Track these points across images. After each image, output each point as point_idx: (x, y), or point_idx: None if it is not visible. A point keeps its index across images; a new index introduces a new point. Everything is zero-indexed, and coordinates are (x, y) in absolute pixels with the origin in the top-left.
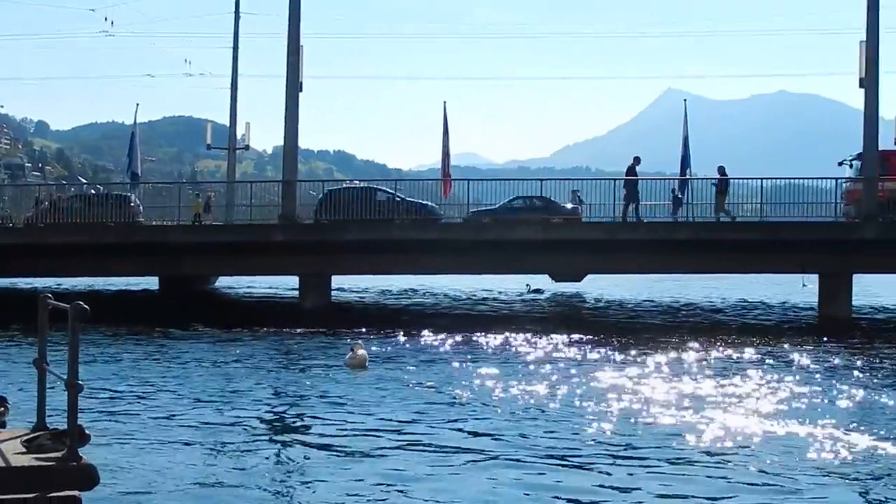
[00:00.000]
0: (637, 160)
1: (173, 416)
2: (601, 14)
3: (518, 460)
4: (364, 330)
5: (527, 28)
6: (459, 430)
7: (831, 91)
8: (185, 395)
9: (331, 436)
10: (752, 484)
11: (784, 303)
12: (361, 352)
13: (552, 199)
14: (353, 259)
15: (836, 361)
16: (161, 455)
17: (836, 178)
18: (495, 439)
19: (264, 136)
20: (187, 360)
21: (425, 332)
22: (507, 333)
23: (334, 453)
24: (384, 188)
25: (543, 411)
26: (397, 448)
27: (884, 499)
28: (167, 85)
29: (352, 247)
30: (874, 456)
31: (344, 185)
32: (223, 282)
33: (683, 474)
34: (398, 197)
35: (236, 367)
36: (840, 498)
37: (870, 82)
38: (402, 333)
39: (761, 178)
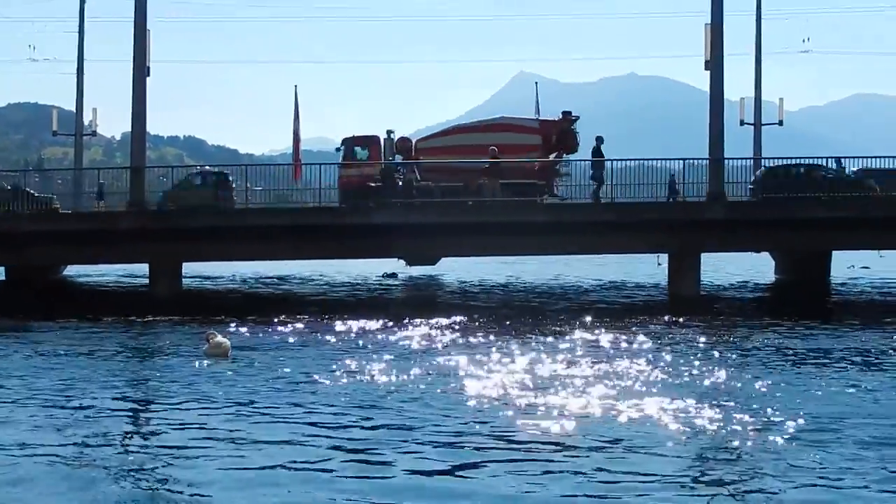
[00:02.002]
0: (600, 139)
1: (18, 409)
2: None
3: (365, 449)
4: (223, 318)
5: (380, 11)
6: (313, 422)
7: (680, 73)
8: (33, 387)
9: (187, 424)
10: (600, 463)
11: (637, 283)
12: (220, 339)
13: None
14: (202, 246)
15: (680, 339)
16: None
17: (683, 159)
18: (345, 428)
19: (112, 122)
20: (31, 352)
21: (283, 319)
22: (367, 319)
23: (193, 442)
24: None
25: (397, 396)
26: (256, 439)
27: (725, 472)
28: (11, 71)
29: (200, 234)
30: (713, 429)
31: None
32: (73, 270)
33: (523, 459)
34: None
35: (85, 358)
36: (680, 473)
37: (715, 65)
38: (257, 320)
39: (612, 160)
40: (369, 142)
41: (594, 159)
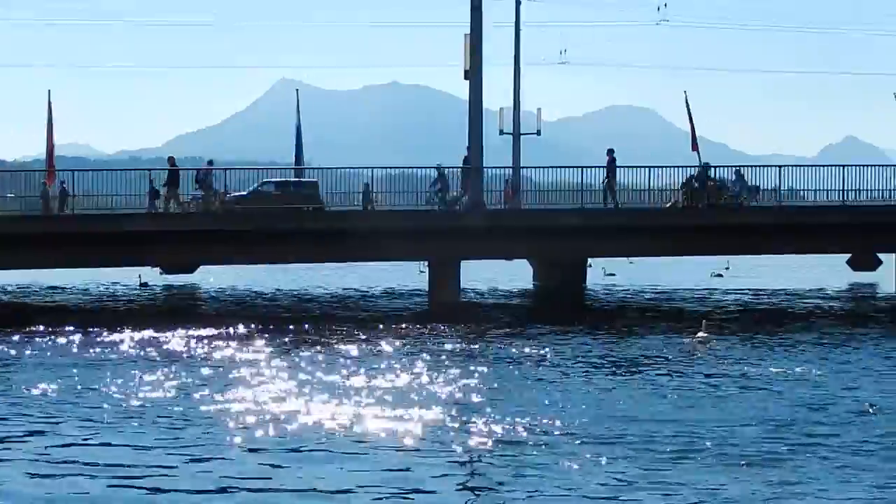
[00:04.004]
0: (611, 152)
1: None
2: (215, 3)
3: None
4: None
5: (135, 15)
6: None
7: (441, 83)
8: None
9: None
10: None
11: (400, 290)
12: None
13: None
14: None
15: (436, 347)
16: None
17: (443, 167)
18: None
19: None
20: None
21: (32, 330)
22: (125, 329)
23: None
24: None
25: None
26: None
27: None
28: None
29: None
30: (454, 433)
31: None
32: None
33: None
34: None
35: None
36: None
37: (474, 74)
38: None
39: (371, 168)
40: None
41: (357, 167)
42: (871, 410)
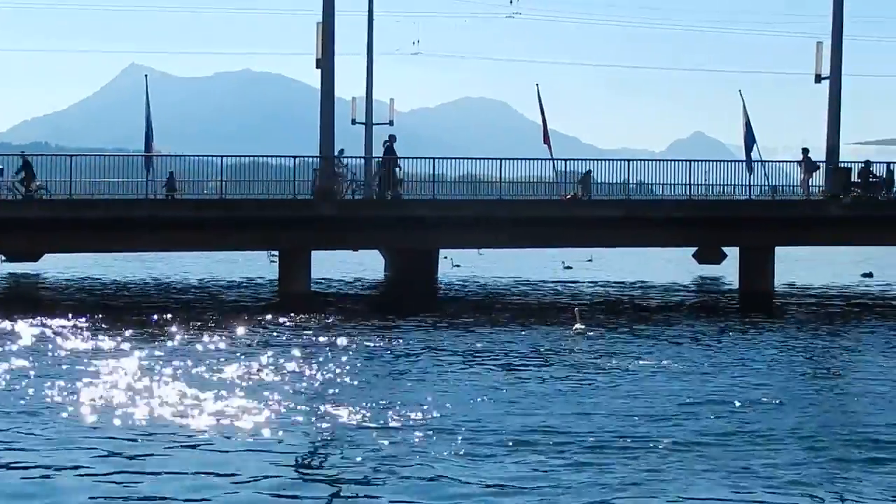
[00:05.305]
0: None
1: None
2: None
3: None
4: None
5: None
6: None
7: (294, 71)
8: None
9: None
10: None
11: (248, 280)
12: None
13: None
14: None
15: (283, 338)
16: None
17: (294, 157)
18: None
19: None
20: None
21: None
22: None
23: None
24: None
25: None
26: None
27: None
28: None
29: None
30: (303, 428)
31: None
32: None
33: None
34: None
35: None
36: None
37: (326, 63)
38: None
39: (221, 156)
40: None
41: (208, 155)
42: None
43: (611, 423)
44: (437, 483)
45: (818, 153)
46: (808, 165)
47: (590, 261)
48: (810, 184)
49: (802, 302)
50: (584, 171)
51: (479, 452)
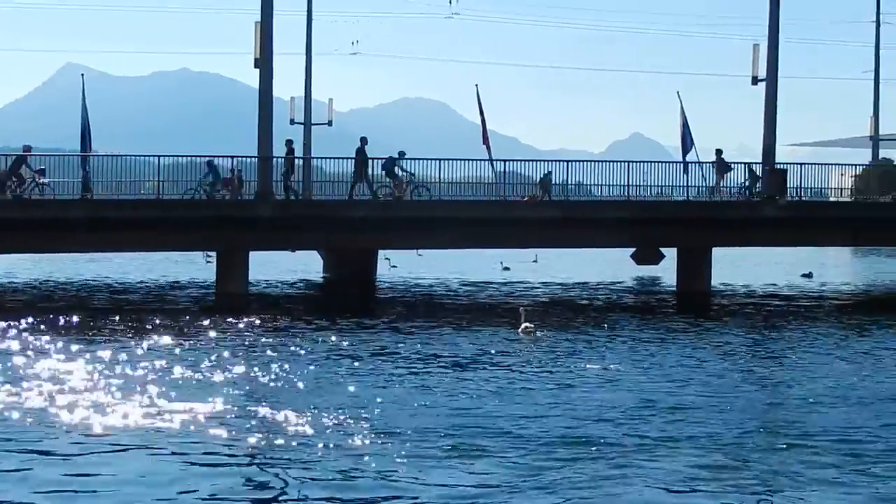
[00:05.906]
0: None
1: None
2: None
3: None
4: None
5: None
6: None
7: (232, 71)
8: None
9: None
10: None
11: (185, 281)
12: None
13: None
14: None
15: (218, 339)
16: None
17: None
18: None
19: None
20: None
21: None
22: None
23: None
24: None
25: None
26: None
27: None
28: None
29: None
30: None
31: None
32: None
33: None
34: None
35: None
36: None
37: (264, 63)
38: None
39: (159, 156)
40: None
41: (145, 155)
42: None
43: (558, 425)
44: (381, 486)
45: (755, 154)
46: (721, 166)
47: (535, 261)
48: (722, 185)
49: (738, 302)
50: (544, 173)
51: (426, 454)
